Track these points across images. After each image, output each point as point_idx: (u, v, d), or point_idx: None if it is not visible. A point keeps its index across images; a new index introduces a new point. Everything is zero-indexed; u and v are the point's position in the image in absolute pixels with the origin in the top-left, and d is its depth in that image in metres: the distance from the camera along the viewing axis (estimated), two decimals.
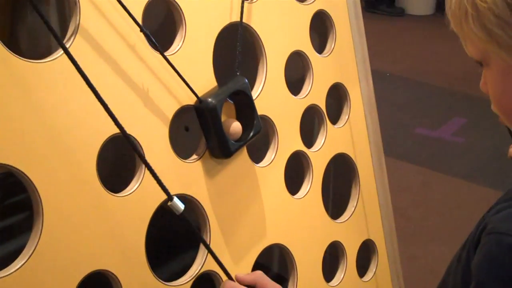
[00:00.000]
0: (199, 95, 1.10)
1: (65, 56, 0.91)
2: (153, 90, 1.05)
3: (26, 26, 1.90)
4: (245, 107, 1.17)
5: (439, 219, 2.79)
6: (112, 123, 0.98)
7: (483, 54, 0.75)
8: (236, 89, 1.15)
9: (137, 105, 1.03)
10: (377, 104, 3.99)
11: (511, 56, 0.71)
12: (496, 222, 0.73)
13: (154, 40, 1.00)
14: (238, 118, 1.16)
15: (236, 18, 1.18)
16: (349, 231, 1.42)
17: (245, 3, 1.20)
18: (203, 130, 1.12)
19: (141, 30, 0.99)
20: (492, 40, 0.72)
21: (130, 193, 1.01)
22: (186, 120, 1.16)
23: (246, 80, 1.16)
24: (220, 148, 1.12)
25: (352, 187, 1.46)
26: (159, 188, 1.04)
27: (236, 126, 1.14)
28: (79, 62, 0.90)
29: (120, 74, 1.00)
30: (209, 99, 1.10)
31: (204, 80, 1.13)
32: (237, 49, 1.16)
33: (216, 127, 1.10)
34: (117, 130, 0.99)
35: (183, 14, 1.09)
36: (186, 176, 1.10)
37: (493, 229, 0.72)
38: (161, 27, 1.09)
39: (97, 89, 0.93)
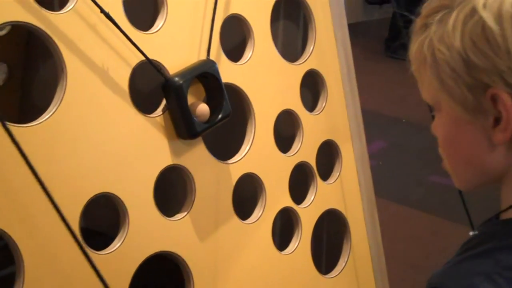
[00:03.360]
0: None
1: (51, 119, 0.96)
2: (139, 149, 1.09)
3: (39, 79, 1.96)
4: (214, 90, 1.18)
5: None
6: (93, 184, 1.03)
7: (436, 100, 0.78)
8: (204, 71, 1.15)
9: (122, 163, 1.07)
10: (391, 151, 3.97)
11: (461, 108, 0.74)
12: (433, 276, 0.76)
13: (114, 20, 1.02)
14: (208, 102, 1.17)
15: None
16: (339, 286, 1.44)
17: (234, 65, 1.24)
18: (170, 110, 1.12)
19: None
20: (445, 90, 0.75)
21: (112, 251, 1.05)
22: None
23: (216, 64, 1.17)
24: (186, 128, 1.12)
25: (344, 242, 1.48)
26: (142, 246, 1.08)
27: (203, 108, 1.14)
28: (68, 122, 0.98)
29: (106, 132, 1.05)
30: (176, 78, 1.10)
31: None
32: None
33: (182, 106, 1.11)
34: (102, 190, 1.04)
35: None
36: (171, 234, 1.14)
37: (429, 284, 0.75)
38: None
39: (85, 145, 0.99)
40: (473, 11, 0.71)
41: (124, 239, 1.06)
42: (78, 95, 1.01)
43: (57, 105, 0.98)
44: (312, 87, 1.47)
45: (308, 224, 1.38)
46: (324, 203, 1.42)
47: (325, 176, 1.45)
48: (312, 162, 1.40)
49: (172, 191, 1.22)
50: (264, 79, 1.31)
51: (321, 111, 1.43)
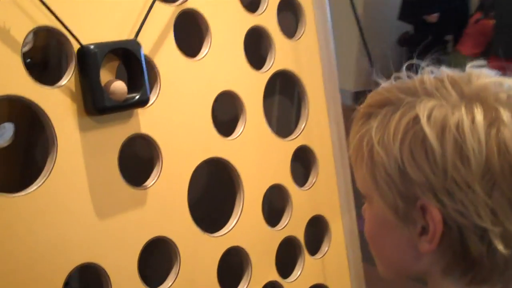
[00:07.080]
0: None
1: (37, 191, 0.99)
2: (125, 220, 1.11)
3: (42, 140, 2.00)
4: (135, 73, 1.11)
5: None
6: (77, 254, 1.05)
7: (368, 195, 0.77)
8: (123, 47, 1.09)
9: (108, 234, 1.09)
10: None
11: (391, 211, 0.73)
12: None
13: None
14: (128, 84, 1.10)
15: None
16: None
17: (224, 140, 1.28)
18: (81, 81, 1.05)
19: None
20: (377, 191, 0.73)
21: None
22: None
23: (141, 47, 1.10)
24: (93, 102, 1.04)
25: None
26: None
27: (118, 85, 1.06)
28: (54, 194, 1.01)
29: (93, 203, 1.07)
30: (91, 46, 1.04)
31: None
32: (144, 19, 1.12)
33: (92, 76, 1.04)
34: (82, 261, 1.06)
35: None
36: None
37: None
38: None
39: (70, 216, 1.02)
40: (416, 120, 0.69)
41: None
42: (67, 168, 1.04)
43: (45, 177, 1.01)
44: (304, 162, 1.50)
45: None
46: (311, 278, 1.43)
47: (313, 250, 1.46)
48: (300, 237, 1.42)
49: (157, 262, 1.24)
50: (254, 154, 1.33)
51: (311, 186, 1.45)
